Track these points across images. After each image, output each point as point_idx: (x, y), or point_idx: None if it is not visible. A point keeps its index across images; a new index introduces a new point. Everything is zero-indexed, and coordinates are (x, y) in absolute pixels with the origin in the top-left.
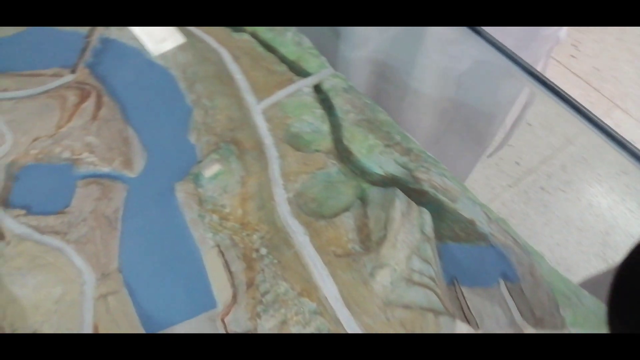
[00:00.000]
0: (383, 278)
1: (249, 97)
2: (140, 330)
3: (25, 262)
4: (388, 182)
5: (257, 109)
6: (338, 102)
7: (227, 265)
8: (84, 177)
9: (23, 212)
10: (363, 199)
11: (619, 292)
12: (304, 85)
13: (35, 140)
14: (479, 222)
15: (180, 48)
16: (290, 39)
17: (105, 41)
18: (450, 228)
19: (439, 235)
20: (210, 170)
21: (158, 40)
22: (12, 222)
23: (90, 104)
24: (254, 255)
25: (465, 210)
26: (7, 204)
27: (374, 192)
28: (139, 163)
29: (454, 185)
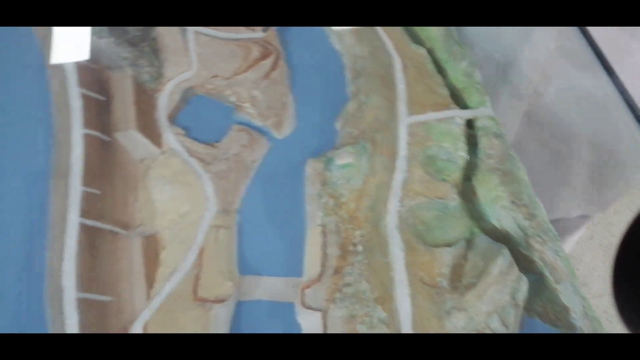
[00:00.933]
0: (457, 321)
1: (402, 107)
2: (234, 268)
3: (170, 174)
4: (499, 236)
5: (405, 121)
6: (484, 143)
7: (324, 246)
8: (239, 123)
9: (182, 132)
10: (469, 242)
11: (622, 260)
12: (459, 115)
13: (213, 77)
14: (574, 313)
15: (359, 41)
16: (462, 68)
17: None
18: (543, 305)
19: (529, 308)
20: (342, 159)
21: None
22: (172, 137)
23: (268, 63)
24: (350, 248)
25: (566, 295)
26: (172, 121)
27: (481, 240)
28: (287, 128)
29: (564, 267)
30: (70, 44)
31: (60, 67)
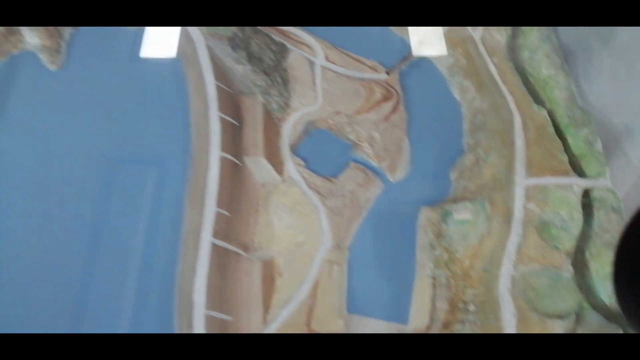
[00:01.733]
0: None
1: (520, 168)
2: (344, 306)
3: (289, 202)
4: (610, 315)
5: (522, 182)
6: (600, 216)
7: (434, 298)
8: (356, 161)
9: (302, 162)
10: (579, 316)
11: (624, 253)
12: (577, 184)
13: (336, 113)
14: None
15: (480, 93)
16: (583, 135)
17: (422, 59)
18: None
19: None
20: (461, 215)
21: (461, 77)
22: (292, 166)
23: (388, 106)
24: (461, 305)
25: None
26: (294, 151)
27: (592, 316)
28: (401, 172)
29: None
30: (161, 41)
31: (202, 91)
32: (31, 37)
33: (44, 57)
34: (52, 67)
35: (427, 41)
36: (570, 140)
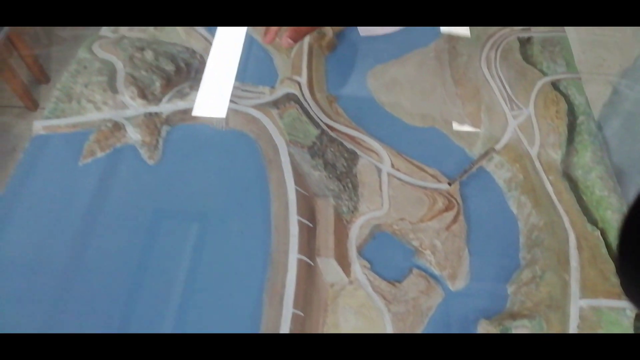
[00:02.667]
0: None
1: (575, 288)
2: None
3: (355, 304)
4: None
5: (577, 303)
6: None
7: None
8: (419, 268)
9: (367, 265)
10: None
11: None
12: (629, 309)
13: (401, 219)
14: None
15: (537, 209)
16: None
17: (481, 170)
18: None
19: None
20: (519, 332)
21: (518, 193)
22: (358, 268)
23: (450, 215)
24: None
25: None
26: (360, 253)
27: None
28: (461, 282)
29: None
30: (212, 102)
31: (283, 194)
32: (134, 133)
33: (143, 152)
34: (150, 162)
35: (494, 151)
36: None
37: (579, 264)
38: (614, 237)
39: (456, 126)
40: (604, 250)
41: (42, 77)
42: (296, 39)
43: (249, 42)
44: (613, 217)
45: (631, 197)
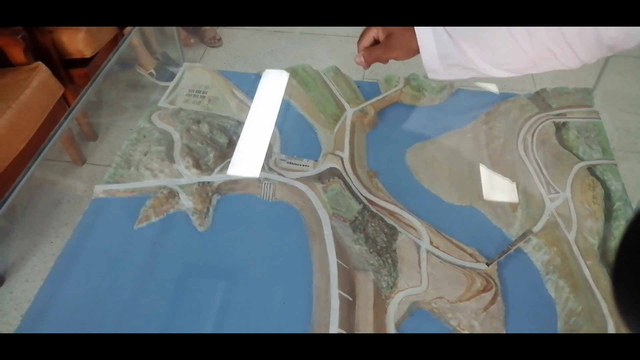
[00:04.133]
0: None
1: None
2: None
3: None
4: None
5: None
6: None
7: None
8: None
9: None
10: None
11: (623, 262)
12: None
13: (439, 297)
14: None
15: (575, 294)
16: None
17: (519, 251)
18: None
19: None
20: None
21: (556, 276)
22: None
23: (488, 296)
24: None
25: None
26: (398, 329)
27: None
28: None
29: None
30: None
31: (325, 267)
32: (186, 200)
33: (194, 219)
34: (200, 229)
35: (533, 233)
36: None
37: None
38: None
39: (494, 207)
40: None
41: (90, 134)
42: (369, 62)
43: (293, 115)
44: None
45: None
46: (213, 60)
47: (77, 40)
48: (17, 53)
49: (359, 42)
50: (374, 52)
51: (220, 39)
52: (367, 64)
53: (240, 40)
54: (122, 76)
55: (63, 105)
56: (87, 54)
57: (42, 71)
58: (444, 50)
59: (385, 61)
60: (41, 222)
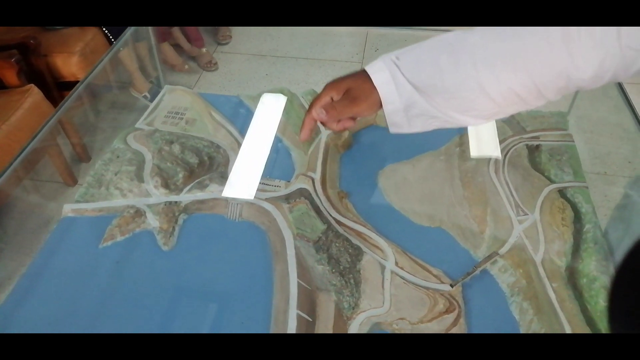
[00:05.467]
0: None
1: None
2: None
3: None
4: None
5: None
6: None
7: None
8: None
9: None
10: None
11: (619, 294)
12: None
13: (400, 319)
14: None
15: (538, 317)
16: None
17: (484, 272)
18: None
19: None
20: None
21: (520, 298)
22: None
23: (450, 317)
24: None
25: None
26: None
27: None
28: None
29: None
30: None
31: (285, 287)
32: (153, 220)
33: (159, 238)
34: (164, 248)
35: (500, 255)
36: None
37: None
38: None
39: (462, 228)
40: None
41: (83, 156)
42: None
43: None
44: None
45: None
46: (208, 85)
47: (70, 64)
48: (10, 75)
49: (312, 104)
50: (337, 106)
51: (216, 63)
52: (330, 118)
53: (235, 65)
54: (117, 98)
55: (55, 127)
56: (81, 76)
57: (34, 93)
58: (408, 100)
59: (348, 121)
60: (30, 242)
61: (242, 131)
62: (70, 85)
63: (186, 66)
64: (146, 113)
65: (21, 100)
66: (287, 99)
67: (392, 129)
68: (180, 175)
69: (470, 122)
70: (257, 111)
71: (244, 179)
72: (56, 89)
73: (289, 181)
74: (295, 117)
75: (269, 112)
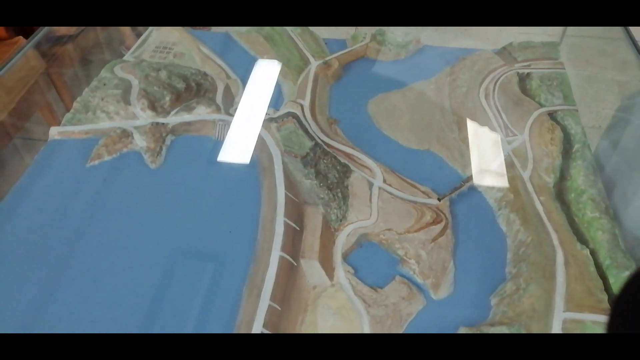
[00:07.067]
0: None
1: (559, 302)
2: None
3: (335, 305)
4: None
5: (560, 315)
6: None
7: None
8: (402, 275)
9: (352, 270)
10: None
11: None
12: None
13: (388, 229)
14: None
15: (525, 227)
16: (624, 277)
17: (472, 189)
18: None
19: None
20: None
21: (508, 211)
22: (342, 273)
23: (437, 228)
24: None
25: None
26: (345, 259)
27: None
28: (444, 292)
29: None
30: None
31: (272, 198)
32: (140, 140)
33: (146, 157)
34: (152, 166)
35: (487, 171)
36: (611, 280)
37: (565, 280)
38: (604, 257)
39: (451, 149)
40: (593, 268)
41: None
42: None
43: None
44: (604, 237)
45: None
46: None
47: None
48: None
49: None
50: None
51: None
52: None
53: None
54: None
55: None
56: (72, 30)
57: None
58: None
59: None
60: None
61: (231, 65)
62: (61, 39)
63: None
64: (133, 48)
65: (9, 52)
66: (276, 33)
67: None
68: (167, 98)
69: None
70: (251, 77)
71: (238, 144)
72: (46, 43)
73: (277, 109)
74: (284, 49)
75: (264, 77)
